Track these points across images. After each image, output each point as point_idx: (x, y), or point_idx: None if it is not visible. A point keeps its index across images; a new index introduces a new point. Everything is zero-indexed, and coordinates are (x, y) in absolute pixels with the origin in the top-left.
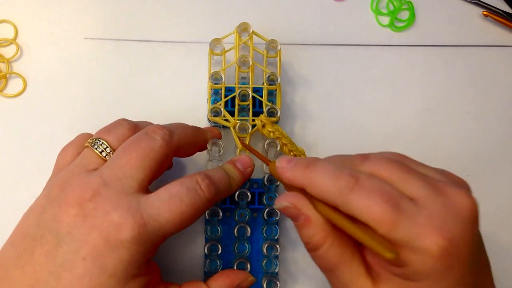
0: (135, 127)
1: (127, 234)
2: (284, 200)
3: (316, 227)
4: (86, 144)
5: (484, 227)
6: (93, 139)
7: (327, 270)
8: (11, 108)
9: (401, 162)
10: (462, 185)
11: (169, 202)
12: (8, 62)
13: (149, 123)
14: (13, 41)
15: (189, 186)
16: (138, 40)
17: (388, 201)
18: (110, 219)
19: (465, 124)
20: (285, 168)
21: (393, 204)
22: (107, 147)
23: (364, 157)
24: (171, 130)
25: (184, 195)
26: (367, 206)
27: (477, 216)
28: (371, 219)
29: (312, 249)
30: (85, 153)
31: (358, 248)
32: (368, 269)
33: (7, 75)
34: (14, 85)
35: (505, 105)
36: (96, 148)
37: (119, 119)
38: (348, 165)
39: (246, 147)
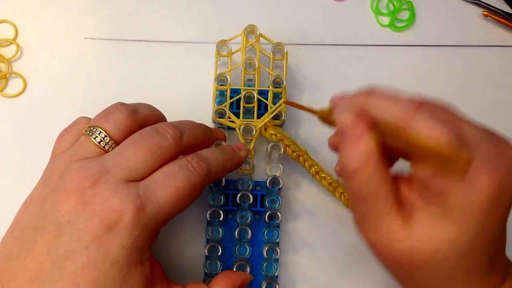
0: (134, 112)
1: (127, 219)
2: (346, 112)
3: (365, 148)
4: (83, 132)
5: None
6: (90, 127)
7: (357, 198)
8: (11, 108)
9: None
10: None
11: (164, 181)
12: (8, 62)
13: (148, 105)
14: (13, 41)
15: (180, 164)
16: (138, 40)
17: (450, 131)
18: (110, 205)
19: None
20: (342, 97)
21: (454, 134)
22: (105, 136)
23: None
24: (181, 130)
25: (177, 172)
26: (431, 130)
27: None
28: (433, 143)
29: (349, 174)
30: (83, 142)
31: (394, 182)
32: (401, 206)
33: (7, 75)
34: (14, 85)
35: (505, 105)
36: (95, 138)
37: (116, 104)
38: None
39: (289, 103)
